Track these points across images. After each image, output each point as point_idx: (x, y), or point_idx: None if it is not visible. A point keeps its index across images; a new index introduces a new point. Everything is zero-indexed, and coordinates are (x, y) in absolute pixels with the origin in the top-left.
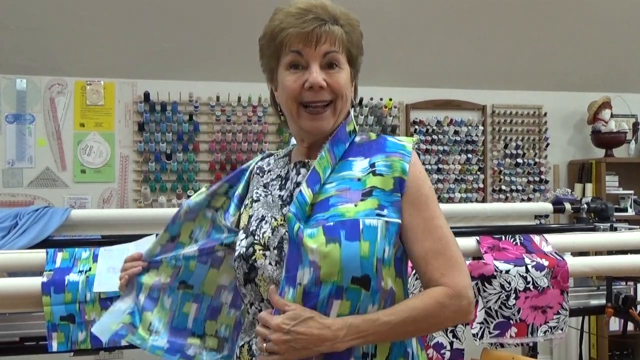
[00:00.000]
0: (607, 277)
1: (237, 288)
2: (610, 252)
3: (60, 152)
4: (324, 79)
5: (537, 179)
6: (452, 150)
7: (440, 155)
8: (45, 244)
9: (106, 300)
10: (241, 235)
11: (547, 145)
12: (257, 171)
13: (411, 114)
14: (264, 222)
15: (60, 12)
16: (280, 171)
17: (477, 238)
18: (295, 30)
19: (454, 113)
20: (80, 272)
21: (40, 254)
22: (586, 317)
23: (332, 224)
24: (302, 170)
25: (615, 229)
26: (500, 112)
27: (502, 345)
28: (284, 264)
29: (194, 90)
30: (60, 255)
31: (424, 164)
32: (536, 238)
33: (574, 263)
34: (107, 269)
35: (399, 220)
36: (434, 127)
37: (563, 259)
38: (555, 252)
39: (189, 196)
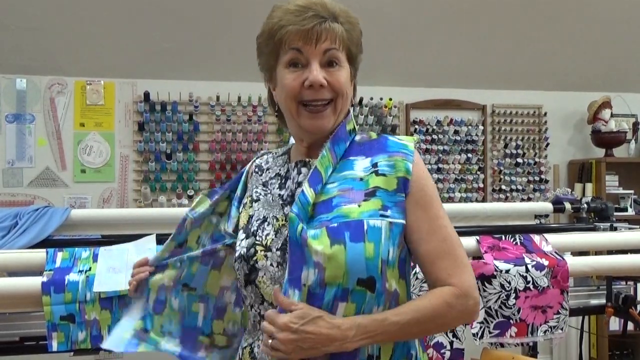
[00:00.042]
0: (607, 277)
1: (239, 288)
2: (610, 252)
3: (60, 152)
4: (324, 77)
5: (537, 178)
6: (452, 150)
7: (440, 155)
8: (45, 243)
9: (106, 300)
10: (241, 235)
11: (547, 145)
12: (256, 169)
13: (411, 114)
14: (265, 223)
15: (60, 12)
16: (280, 170)
17: (477, 238)
18: (295, 27)
19: (454, 113)
20: (80, 271)
21: (40, 254)
22: (586, 317)
23: (336, 225)
24: (303, 170)
25: (615, 229)
26: (500, 112)
27: (502, 345)
28: (287, 265)
29: (194, 90)
30: (60, 255)
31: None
32: (536, 238)
33: (574, 263)
34: (107, 268)
35: (403, 221)
36: (434, 127)
37: (563, 259)
38: (555, 252)
39: (189, 196)
